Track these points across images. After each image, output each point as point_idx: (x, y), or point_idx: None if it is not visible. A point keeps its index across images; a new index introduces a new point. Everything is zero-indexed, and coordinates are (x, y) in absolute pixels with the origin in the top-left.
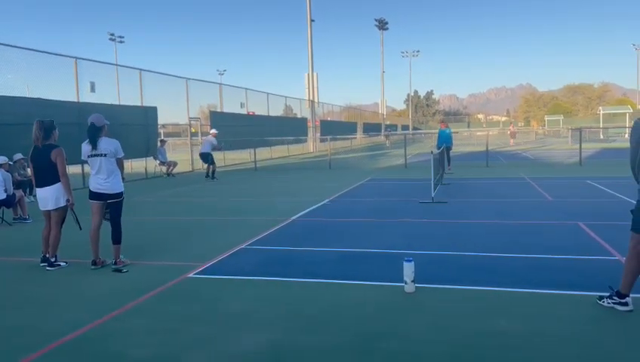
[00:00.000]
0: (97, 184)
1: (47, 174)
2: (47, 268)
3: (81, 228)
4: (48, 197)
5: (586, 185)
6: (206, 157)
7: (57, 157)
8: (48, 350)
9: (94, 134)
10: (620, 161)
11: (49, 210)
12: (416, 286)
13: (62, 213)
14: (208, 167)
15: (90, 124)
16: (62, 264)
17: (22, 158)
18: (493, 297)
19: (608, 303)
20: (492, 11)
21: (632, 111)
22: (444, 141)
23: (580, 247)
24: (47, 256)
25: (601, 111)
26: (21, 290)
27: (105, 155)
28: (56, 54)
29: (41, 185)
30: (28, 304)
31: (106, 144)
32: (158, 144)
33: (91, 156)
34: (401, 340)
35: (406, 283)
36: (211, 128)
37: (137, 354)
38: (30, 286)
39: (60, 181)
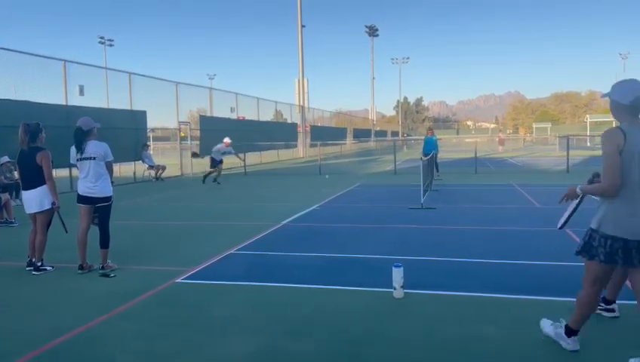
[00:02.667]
0: (86, 188)
1: (33, 177)
2: (33, 272)
3: (67, 232)
4: (32, 199)
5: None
6: (214, 162)
7: (43, 160)
8: (33, 356)
9: (81, 138)
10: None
11: (34, 213)
12: (405, 292)
13: (47, 217)
14: (212, 172)
15: (77, 128)
16: (48, 268)
17: (8, 161)
18: (481, 303)
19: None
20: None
21: None
22: (432, 148)
23: (567, 254)
24: (34, 260)
25: (588, 119)
26: (6, 295)
27: (94, 159)
28: (44, 57)
29: (26, 187)
30: (13, 308)
31: (95, 147)
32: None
33: (80, 160)
34: (389, 346)
35: (395, 289)
36: (201, 132)
37: (124, 359)
38: (15, 290)
39: (44, 184)
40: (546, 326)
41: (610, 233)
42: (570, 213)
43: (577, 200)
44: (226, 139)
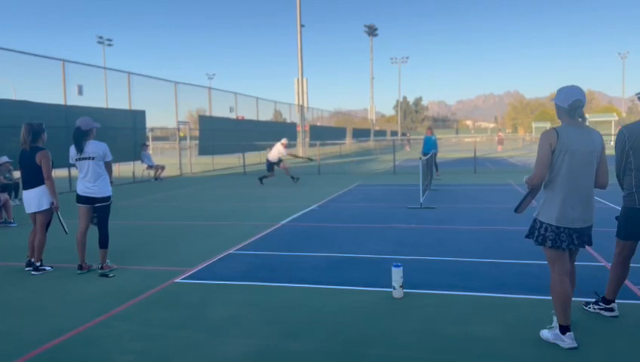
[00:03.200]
0: (85, 188)
1: (33, 176)
2: (32, 272)
3: (67, 233)
4: (31, 199)
5: None
6: (270, 165)
7: (42, 160)
8: (30, 357)
9: (80, 138)
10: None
11: (33, 213)
12: (404, 292)
13: (46, 217)
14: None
15: (76, 128)
16: (47, 268)
17: (7, 161)
18: (480, 302)
19: (594, 309)
20: (481, 19)
21: (617, 118)
22: (431, 147)
23: None
24: (32, 260)
25: (588, 119)
26: (4, 295)
27: (93, 159)
28: (43, 56)
29: (26, 187)
30: (10, 309)
31: (94, 147)
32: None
33: (79, 159)
34: (388, 346)
35: (394, 289)
36: (200, 132)
37: (123, 360)
38: (14, 291)
39: (43, 183)
40: (544, 333)
41: (546, 221)
42: (522, 199)
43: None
44: (284, 139)
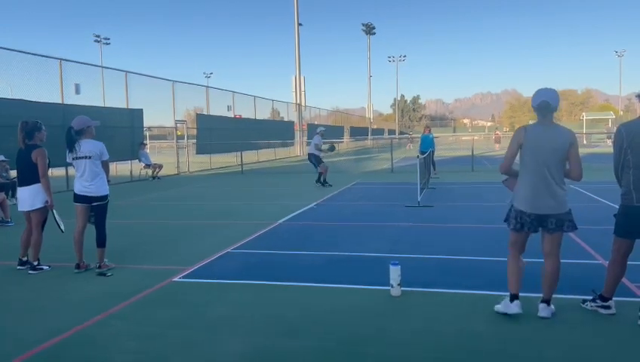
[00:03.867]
0: (82, 187)
1: (28, 174)
2: (30, 271)
3: (62, 231)
4: (25, 197)
5: (569, 189)
6: (311, 159)
7: (38, 158)
8: (28, 356)
9: (71, 138)
10: (603, 166)
11: (27, 211)
12: (402, 290)
13: (41, 215)
14: (322, 172)
15: (68, 128)
16: (45, 267)
17: (3, 160)
18: (478, 300)
19: (592, 306)
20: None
21: (614, 117)
22: (429, 146)
23: (564, 251)
24: (25, 259)
25: (585, 117)
26: (1, 295)
27: (90, 158)
28: (40, 55)
29: (21, 184)
30: (8, 309)
31: (91, 146)
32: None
33: (76, 159)
34: (386, 344)
35: (392, 287)
36: (198, 131)
37: (120, 360)
38: (10, 290)
39: (38, 182)
40: (497, 306)
41: (517, 207)
42: (503, 180)
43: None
44: (320, 128)
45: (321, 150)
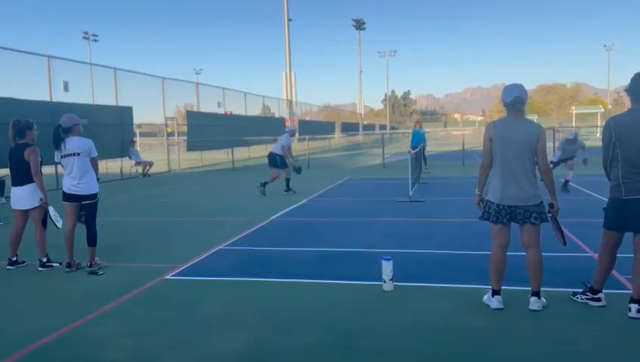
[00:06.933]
0: (71, 185)
1: (22, 173)
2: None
3: (58, 228)
4: (22, 196)
5: (559, 183)
6: (275, 160)
7: (30, 156)
8: (20, 355)
9: (58, 136)
10: (592, 159)
11: (22, 210)
12: (394, 285)
13: (40, 213)
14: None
15: (56, 126)
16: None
17: None
18: (470, 294)
19: (582, 299)
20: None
21: (603, 111)
22: (420, 141)
23: (554, 244)
24: (15, 259)
25: (574, 111)
26: None
27: (78, 154)
28: (27, 52)
29: (16, 183)
30: (0, 307)
31: (79, 143)
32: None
33: (64, 156)
34: (379, 339)
35: (384, 282)
36: (188, 128)
37: (113, 358)
38: (3, 289)
39: (33, 181)
40: (484, 297)
41: (490, 199)
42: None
43: None
44: (290, 127)
45: (288, 155)
